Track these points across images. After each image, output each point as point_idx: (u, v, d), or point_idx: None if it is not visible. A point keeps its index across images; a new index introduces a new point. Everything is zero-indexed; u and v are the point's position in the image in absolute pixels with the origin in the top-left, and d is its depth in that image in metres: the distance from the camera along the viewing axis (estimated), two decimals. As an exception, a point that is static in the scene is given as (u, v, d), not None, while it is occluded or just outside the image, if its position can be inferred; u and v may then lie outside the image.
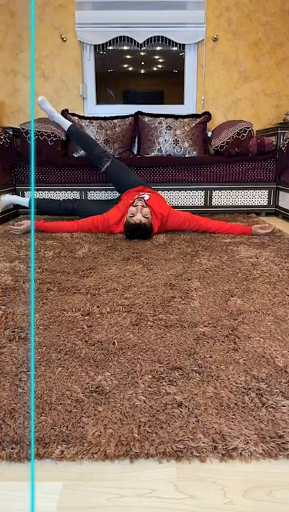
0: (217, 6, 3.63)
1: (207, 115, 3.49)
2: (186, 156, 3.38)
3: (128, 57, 3.96)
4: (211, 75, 3.77)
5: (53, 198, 3.34)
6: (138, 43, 3.75)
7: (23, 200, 2.94)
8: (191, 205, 3.39)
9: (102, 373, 0.96)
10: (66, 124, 2.91)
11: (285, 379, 0.94)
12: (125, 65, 3.99)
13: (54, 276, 1.69)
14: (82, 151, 3.36)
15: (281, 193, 3.25)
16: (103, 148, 2.92)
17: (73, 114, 3.44)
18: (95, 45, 3.77)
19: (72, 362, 1.01)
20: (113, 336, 1.15)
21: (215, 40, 3.69)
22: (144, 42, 3.75)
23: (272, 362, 1.01)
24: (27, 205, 2.93)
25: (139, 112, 3.52)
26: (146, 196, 2.55)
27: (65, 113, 3.45)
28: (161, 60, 3.98)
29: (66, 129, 2.92)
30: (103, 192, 3.36)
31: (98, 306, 1.37)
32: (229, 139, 3.25)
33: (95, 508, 0.64)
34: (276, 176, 3.32)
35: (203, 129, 3.50)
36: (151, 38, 3.72)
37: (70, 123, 2.91)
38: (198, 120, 3.45)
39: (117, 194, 3.23)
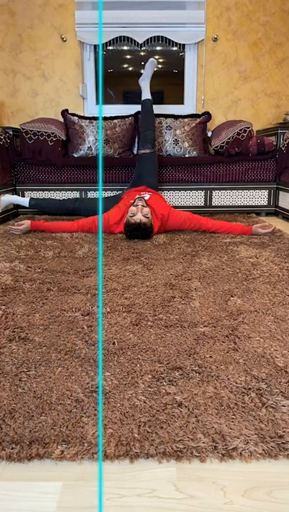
0: (217, 6, 3.63)
1: (207, 115, 3.49)
2: (186, 156, 3.38)
3: (128, 57, 3.96)
4: (211, 75, 3.77)
5: (53, 198, 3.35)
6: (138, 43, 3.75)
7: (23, 200, 2.94)
8: (191, 205, 3.39)
9: (102, 373, 0.96)
10: (145, 95, 3.00)
11: (285, 379, 0.94)
12: (125, 65, 3.99)
13: (54, 276, 1.69)
14: (83, 151, 3.36)
15: (281, 193, 3.25)
16: (155, 138, 2.93)
17: (73, 114, 3.44)
18: (95, 45, 3.77)
19: (72, 362, 1.01)
20: (113, 336, 1.15)
21: (215, 40, 3.69)
22: (144, 42, 3.75)
23: (272, 362, 1.01)
24: (27, 205, 2.93)
25: (139, 112, 3.51)
26: (147, 196, 2.55)
27: (65, 113, 3.45)
28: (161, 60, 3.98)
29: (143, 99, 3.02)
30: (103, 192, 3.36)
31: (98, 306, 1.37)
32: (229, 139, 3.25)
33: (95, 508, 0.64)
34: (276, 176, 3.32)
35: (203, 129, 3.50)
36: (151, 38, 3.72)
37: (148, 97, 2.98)
38: (198, 120, 3.45)
39: (118, 192, 3.23)
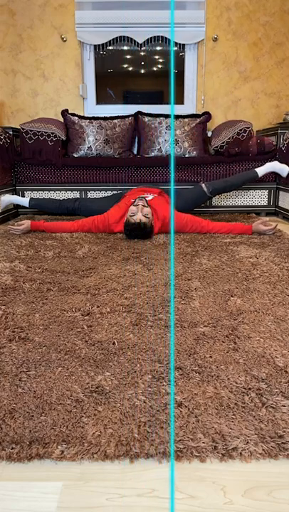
0: (217, 6, 3.63)
1: (207, 115, 3.49)
2: (186, 156, 3.38)
3: (128, 57, 3.96)
4: (211, 75, 3.77)
5: (53, 198, 3.35)
6: (138, 43, 3.75)
7: (23, 200, 2.94)
8: (191, 205, 3.38)
9: (102, 373, 0.96)
10: (259, 169, 2.88)
11: (285, 379, 0.94)
12: (125, 65, 3.99)
13: (54, 276, 1.69)
14: (83, 151, 3.36)
15: (281, 193, 3.25)
16: (219, 192, 2.82)
17: (73, 114, 3.44)
18: (95, 45, 3.77)
19: (72, 362, 1.01)
20: (113, 336, 1.15)
21: (215, 40, 3.69)
22: (144, 42, 3.75)
23: (272, 362, 1.01)
24: (27, 205, 2.93)
25: (139, 112, 3.52)
26: (150, 197, 2.55)
27: (65, 113, 3.45)
28: (161, 60, 3.98)
29: (255, 169, 2.87)
30: (103, 192, 3.36)
31: (98, 306, 1.37)
32: (229, 138, 3.25)
33: (95, 508, 0.64)
34: (276, 176, 3.31)
35: (203, 129, 3.49)
36: (151, 38, 3.72)
37: (257, 174, 2.85)
38: (198, 120, 3.45)
39: (119, 191, 3.23)
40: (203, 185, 2.75)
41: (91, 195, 3.37)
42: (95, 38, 3.68)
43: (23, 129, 3.19)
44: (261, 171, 2.83)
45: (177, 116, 3.45)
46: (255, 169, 2.83)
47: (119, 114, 3.66)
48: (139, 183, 3.32)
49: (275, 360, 1.02)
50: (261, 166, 3.30)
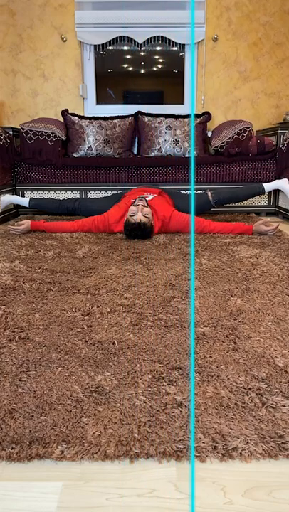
0: (217, 6, 3.63)
1: (207, 115, 3.49)
2: (186, 156, 3.38)
3: (128, 57, 3.96)
4: (211, 75, 3.77)
5: (52, 198, 3.35)
6: (138, 43, 3.75)
7: (23, 200, 2.94)
8: (191, 205, 3.38)
9: (102, 373, 0.96)
10: (266, 184, 2.82)
11: (285, 379, 0.94)
12: (125, 65, 3.99)
13: (54, 276, 1.69)
14: (83, 151, 3.36)
15: (281, 193, 3.25)
16: (225, 201, 2.75)
17: (73, 114, 3.44)
18: (95, 45, 3.77)
19: (72, 362, 1.01)
20: (113, 336, 1.15)
21: (215, 40, 3.69)
22: (144, 42, 3.75)
23: (272, 362, 1.01)
24: (27, 205, 2.93)
25: (139, 112, 3.52)
26: (150, 197, 2.55)
27: (65, 113, 3.45)
28: (161, 60, 3.98)
29: (263, 183, 2.83)
30: (103, 192, 3.36)
31: (98, 306, 1.37)
32: (229, 138, 3.25)
33: (95, 508, 0.64)
34: (276, 176, 3.31)
35: (203, 129, 3.50)
36: (151, 38, 3.72)
37: (263, 189, 2.78)
38: (198, 120, 3.46)
39: (119, 191, 3.23)
40: (209, 193, 2.73)
41: (91, 195, 3.37)
42: (95, 38, 3.68)
43: (23, 129, 3.19)
44: (268, 187, 2.80)
45: (177, 116, 3.45)
46: (263, 184, 2.82)
47: (119, 114, 3.66)
48: (139, 183, 3.32)
49: (275, 360, 1.02)
50: (261, 166, 3.30)
